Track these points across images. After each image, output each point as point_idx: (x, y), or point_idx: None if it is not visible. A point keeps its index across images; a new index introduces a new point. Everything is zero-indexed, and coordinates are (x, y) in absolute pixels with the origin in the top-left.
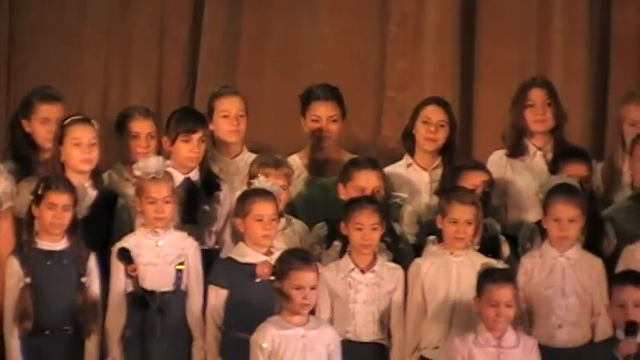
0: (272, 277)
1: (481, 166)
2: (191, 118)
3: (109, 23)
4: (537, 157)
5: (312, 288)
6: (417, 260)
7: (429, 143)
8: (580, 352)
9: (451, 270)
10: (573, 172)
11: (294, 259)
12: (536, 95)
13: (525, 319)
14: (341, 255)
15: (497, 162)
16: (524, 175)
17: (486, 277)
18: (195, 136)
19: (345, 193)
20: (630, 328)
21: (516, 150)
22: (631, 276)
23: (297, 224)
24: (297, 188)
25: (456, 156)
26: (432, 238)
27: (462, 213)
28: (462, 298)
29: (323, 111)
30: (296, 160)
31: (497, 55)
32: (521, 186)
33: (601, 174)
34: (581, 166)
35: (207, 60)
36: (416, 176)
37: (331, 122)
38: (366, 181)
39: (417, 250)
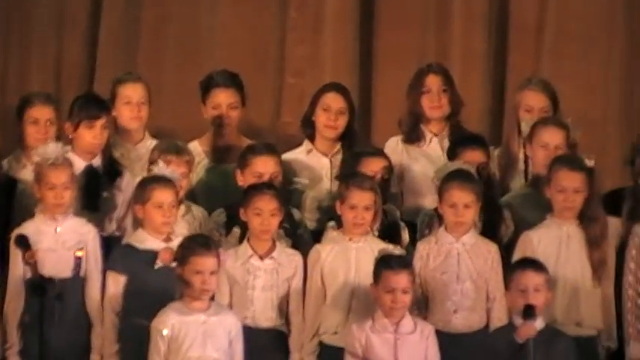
0: (174, 264)
1: (380, 153)
2: (94, 104)
3: (7, 8)
4: (433, 144)
5: (212, 273)
6: (317, 246)
7: (330, 130)
8: (476, 337)
9: (350, 256)
10: (470, 158)
11: (195, 244)
12: (432, 82)
13: (422, 305)
14: (240, 241)
15: (394, 148)
16: (421, 161)
17: (383, 263)
18: (99, 123)
19: (243, 179)
20: (528, 311)
21: (413, 136)
22: (531, 262)
23: (197, 210)
24: (197, 175)
25: (356, 142)
26: (331, 224)
27: (361, 199)
28: (361, 284)
29: (223, 98)
30: (196, 147)
31: (396, 41)
32: (418, 172)
33: (497, 160)
34: (478, 152)
35: (106, 45)
36: (317, 162)
37: (231, 109)
38: (264, 166)
39: (318, 236)
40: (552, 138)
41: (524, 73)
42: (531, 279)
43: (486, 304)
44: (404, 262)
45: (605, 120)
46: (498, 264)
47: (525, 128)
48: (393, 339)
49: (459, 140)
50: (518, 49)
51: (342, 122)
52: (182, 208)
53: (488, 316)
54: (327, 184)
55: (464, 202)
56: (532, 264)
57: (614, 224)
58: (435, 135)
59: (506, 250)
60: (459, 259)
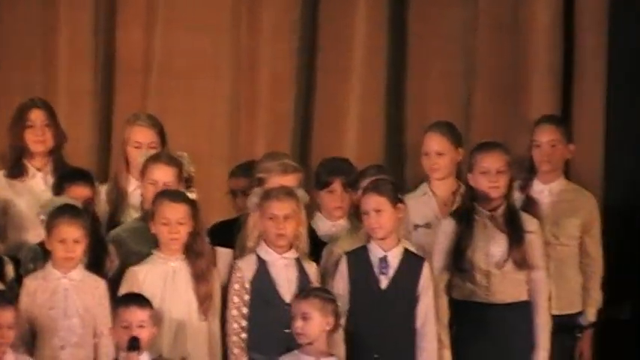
0: None
1: None
2: None
3: None
4: (37, 178)
5: None
6: None
7: None
8: None
9: None
10: (77, 193)
11: None
12: (36, 116)
13: (29, 341)
14: None
15: None
16: (25, 196)
17: None
18: None
19: None
20: (133, 343)
21: (15, 170)
22: (134, 297)
23: None
24: None
25: None
26: None
27: None
28: None
29: None
30: None
31: (2, 77)
32: (22, 207)
33: (107, 195)
34: (85, 187)
35: None
36: None
37: None
38: None
39: None
40: (161, 175)
41: (131, 109)
42: (135, 315)
43: (94, 339)
44: (5, 299)
45: (211, 155)
46: (105, 299)
47: (141, 161)
48: None
49: (65, 175)
50: (124, 88)
51: None
52: None
53: (95, 351)
54: None
55: (72, 237)
56: (135, 300)
57: (226, 255)
58: (39, 170)
59: (112, 285)
60: (67, 295)
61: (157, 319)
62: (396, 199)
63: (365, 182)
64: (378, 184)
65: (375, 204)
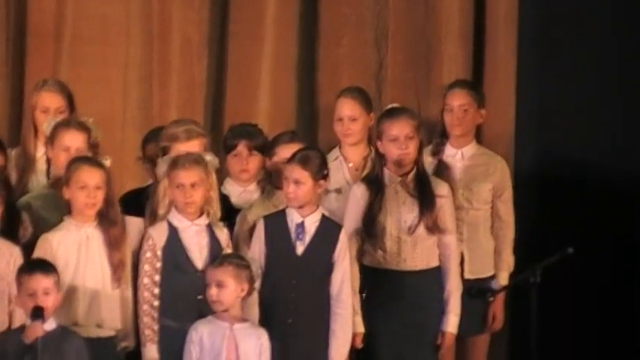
0: None
1: None
2: None
3: None
4: None
5: None
6: None
7: None
8: None
9: None
10: None
11: None
12: None
13: None
14: None
15: None
16: None
17: None
18: None
19: None
20: (36, 312)
21: None
22: (38, 264)
23: None
24: None
25: None
26: None
27: None
28: None
29: None
30: None
31: None
32: None
33: (15, 161)
34: None
35: None
36: None
37: None
38: None
39: None
40: (73, 141)
41: (40, 75)
42: (39, 282)
43: (9, 306)
44: None
45: (124, 122)
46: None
47: (47, 129)
48: None
49: None
50: (36, 54)
51: None
52: None
53: (10, 318)
54: None
55: None
56: (40, 266)
57: (136, 224)
58: None
59: (26, 251)
60: None
61: (62, 286)
62: (320, 176)
63: (280, 149)
64: (305, 157)
65: (297, 175)
